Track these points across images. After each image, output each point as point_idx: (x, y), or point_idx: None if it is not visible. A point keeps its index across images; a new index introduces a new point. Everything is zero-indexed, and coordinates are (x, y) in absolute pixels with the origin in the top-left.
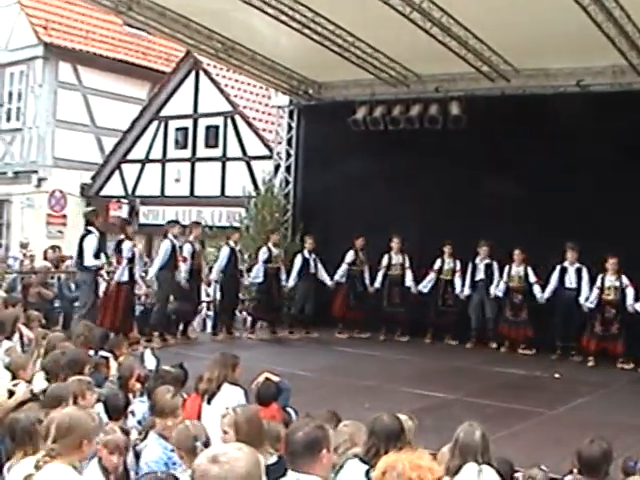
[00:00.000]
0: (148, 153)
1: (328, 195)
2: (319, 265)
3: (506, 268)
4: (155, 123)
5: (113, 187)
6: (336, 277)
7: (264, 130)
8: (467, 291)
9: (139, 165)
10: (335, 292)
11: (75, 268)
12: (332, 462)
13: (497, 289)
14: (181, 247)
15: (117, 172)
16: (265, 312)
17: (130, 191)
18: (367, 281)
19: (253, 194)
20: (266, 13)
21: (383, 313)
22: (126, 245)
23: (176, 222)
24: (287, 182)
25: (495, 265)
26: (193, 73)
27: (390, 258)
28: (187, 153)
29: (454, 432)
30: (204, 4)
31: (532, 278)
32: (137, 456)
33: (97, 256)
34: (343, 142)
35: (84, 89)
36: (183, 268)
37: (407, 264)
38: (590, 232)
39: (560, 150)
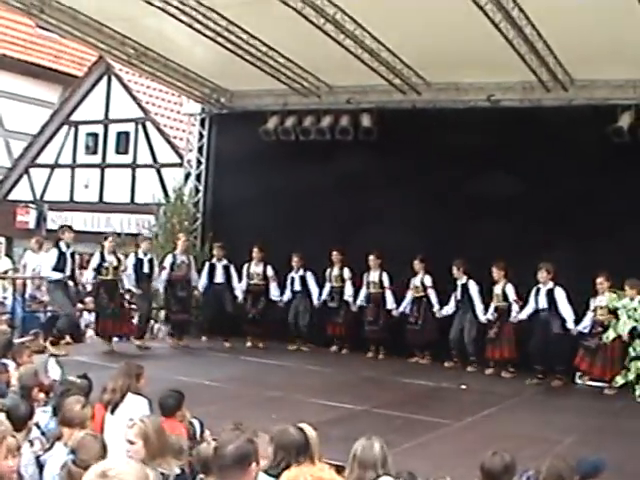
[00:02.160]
0: (57, 158)
1: (238, 204)
2: (308, 282)
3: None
4: (65, 127)
5: (21, 192)
6: (322, 296)
7: (175, 137)
8: (449, 311)
9: (48, 170)
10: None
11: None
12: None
13: (489, 313)
14: (141, 259)
15: (25, 176)
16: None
17: (38, 196)
18: (350, 298)
19: (163, 202)
20: (180, 20)
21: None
22: (94, 257)
23: (144, 238)
24: (197, 190)
25: (471, 283)
26: (105, 78)
27: (368, 275)
28: (97, 159)
29: None
30: (118, 9)
31: (512, 296)
32: (41, 468)
33: (58, 269)
34: (254, 151)
35: None
36: (161, 278)
37: (386, 283)
38: (515, 246)
39: (470, 165)
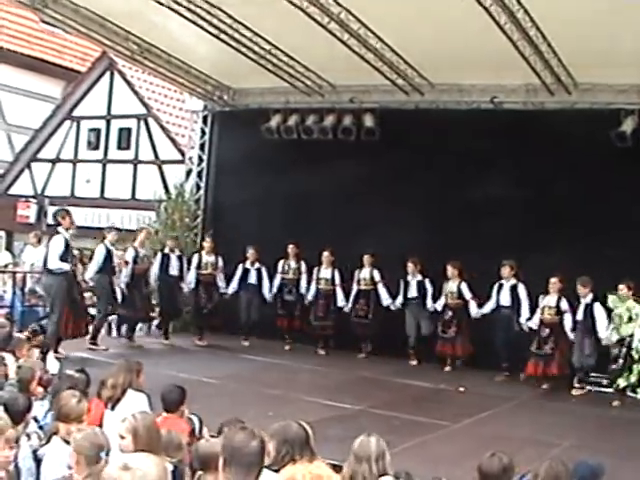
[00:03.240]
0: (59, 153)
1: (239, 202)
2: (263, 277)
3: (444, 285)
4: (67, 123)
5: (22, 186)
6: (273, 289)
7: (177, 134)
8: (398, 304)
9: (49, 165)
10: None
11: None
12: None
13: (436, 304)
14: (109, 252)
15: (27, 171)
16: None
17: (39, 191)
18: (303, 290)
19: (164, 198)
20: (184, 17)
21: (310, 327)
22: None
23: (113, 228)
24: (198, 187)
25: (427, 281)
26: (108, 73)
27: (319, 271)
28: (99, 154)
29: None
30: (122, 5)
31: (467, 295)
32: (38, 461)
33: (64, 259)
34: (256, 149)
35: None
36: (124, 272)
37: (337, 280)
38: (518, 249)
39: (472, 166)
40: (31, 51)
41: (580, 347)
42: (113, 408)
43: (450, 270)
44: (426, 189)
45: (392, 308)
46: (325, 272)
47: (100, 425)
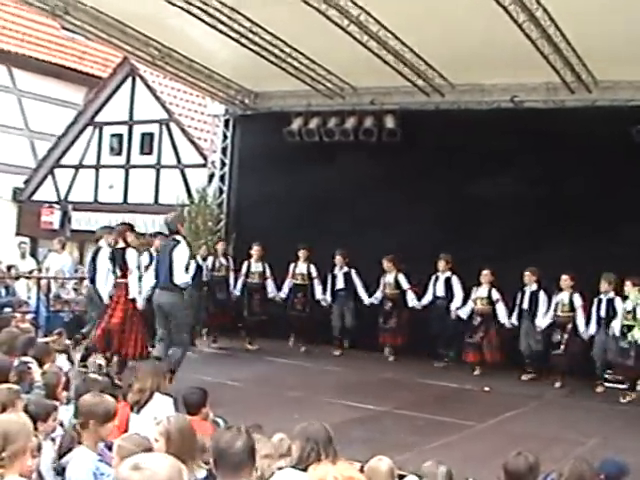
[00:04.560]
0: (82, 159)
1: (261, 205)
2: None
3: (382, 278)
4: (90, 128)
5: (46, 192)
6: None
7: (199, 138)
8: (329, 299)
9: (73, 170)
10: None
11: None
12: None
13: (373, 298)
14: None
15: (50, 177)
16: None
17: (63, 196)
18: (232, 288)
19: (187, 202)
20: (204, 21)
21: (245, 321)
22: (131, 254)
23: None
24: (221, 191)
25: (354, 273)
26: (129, 79)
27: (249, 266)
28: (121, 160)
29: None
30: (141, 10)
31: (405, 285)
32: (62, 467)
33: (187, 270)
34: (278, 152)
35: (19, 92)
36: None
37: (268, 273)
38: (541, 245)
39: (493, 166)
40: (52, 58)
41: (528, 333)
42: (139, 412)
43: (385, 264)
44: (447, 189)
45: (323, 304)
46: (256, 266)
47: (126, 429)
